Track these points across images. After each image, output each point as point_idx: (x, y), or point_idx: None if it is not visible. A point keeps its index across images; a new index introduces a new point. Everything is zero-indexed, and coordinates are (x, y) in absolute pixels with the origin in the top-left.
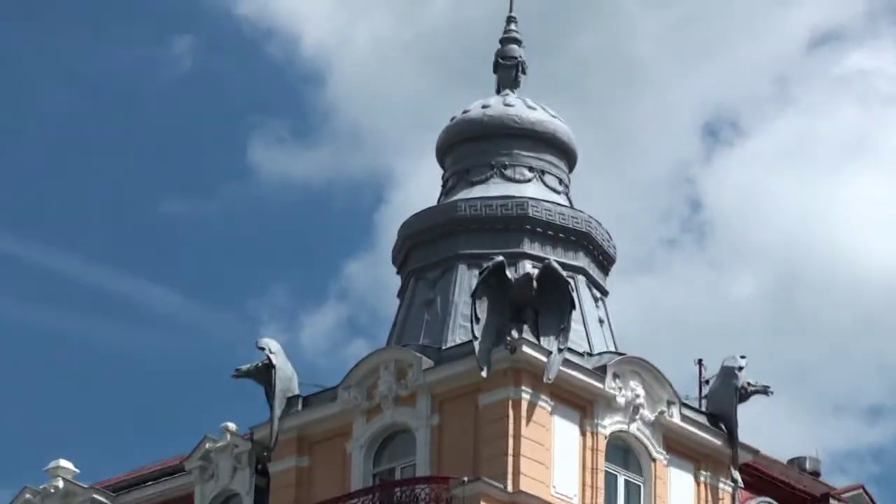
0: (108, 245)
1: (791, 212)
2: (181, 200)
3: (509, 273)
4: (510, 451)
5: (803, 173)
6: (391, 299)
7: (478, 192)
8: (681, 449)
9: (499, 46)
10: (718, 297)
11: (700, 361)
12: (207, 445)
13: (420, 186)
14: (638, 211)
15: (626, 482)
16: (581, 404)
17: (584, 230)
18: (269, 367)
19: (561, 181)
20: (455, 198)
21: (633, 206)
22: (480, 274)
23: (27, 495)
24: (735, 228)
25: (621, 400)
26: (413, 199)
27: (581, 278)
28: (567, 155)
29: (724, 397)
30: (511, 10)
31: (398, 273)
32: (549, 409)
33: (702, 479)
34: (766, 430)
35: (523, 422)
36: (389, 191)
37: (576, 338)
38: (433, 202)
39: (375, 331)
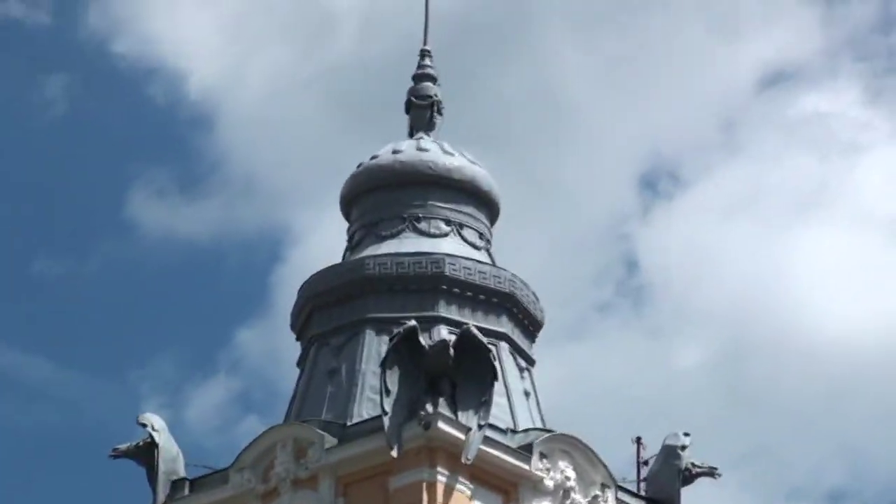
0: None
1: (740, 272)
2: (53, 260)
3: (423, 339)
4: None
5: (753, 228)
6: (289, 371)
7: (388, 247)
8: None
9: (411, 84)
10: (659, 367)
11: (639, 440)
12: None
13: (322, 242)
14: (567, 271)
15: None
16: (504, 487)
17: (507, 291)
18: (152, 445)
19: (481, 235)
20: (362, 254)
21: (561, 266)
22: (390, 340)
23: None
24: (676, 291)
25: (549, 483)
26: (314, 258)
27: (504, 346)
28: (488, 206)
29: (666, 480)
30: (425, 44)
31: (298, 339)
32: (469, 492)
33: None
34: None
35: None
36: (287, 248)
37: (498, 412)
38: (337, 259)
39: (271, 407)
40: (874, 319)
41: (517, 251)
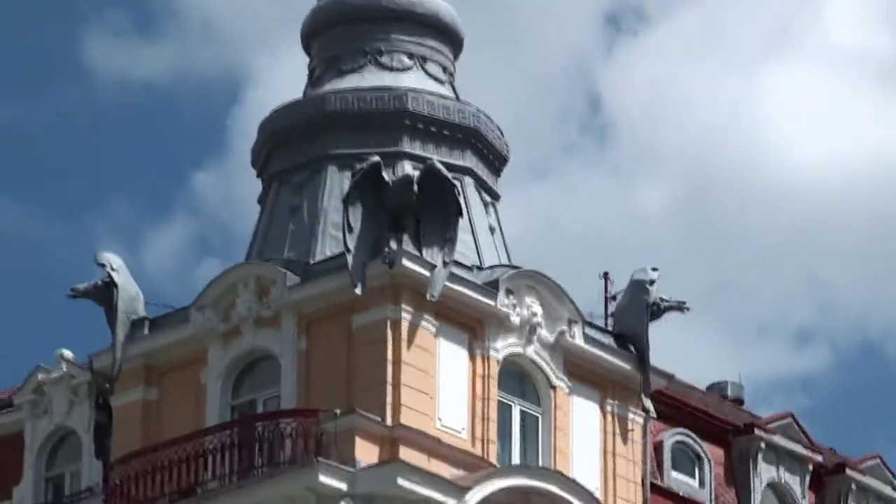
0: None
1: (704, 110)
2: (7, 104)
3: (386, 175)
4: (389, 379)
5: (718, 66)
6: (247, 215)
7: (350, 82)
8: (584, 374)
9: None
10: (624, 206)
11: (606, 275)
12: (40, 377)
13: (281, 83)
14: (530, 109)
15: (522, 413)
16: (470, 325)
17: (471, 125)
18: (111, 285)
19: (444, 69)
20: (323, 90)
21: (524, 103)
22: (353, 176)
23: None
24: (640, 130)
25: (516, 319)
26: (273, 98)
27: (469, 180)
28: (451, 39)
29: (634, 315)
30: None
31: (259, 177)
32: (434, 330)
33: (608, 408)
34: (681, 352)
35: (404, 345)
36: (245, 89)
37: (463, 249)
38: (298, 98)
39: (230, 250)
40: (840, 155)
41: (480, 88)
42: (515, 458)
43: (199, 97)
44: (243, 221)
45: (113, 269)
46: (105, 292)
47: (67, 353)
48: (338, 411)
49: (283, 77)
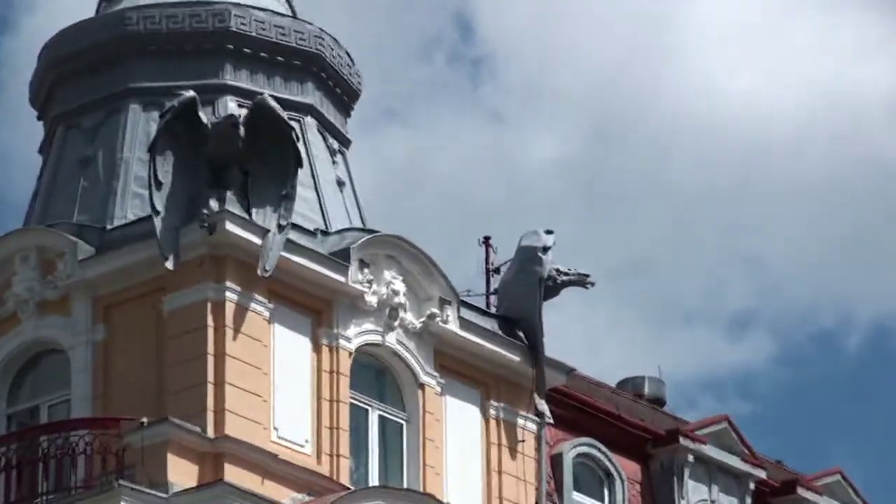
0: None
1: (607, 37)
2: None
3: (204, 115)
4: (210, 377)
5: None
6: (23, 172)
7: None
8: (461, 369)
9: None
10: (506, 159)
11: (487, 240)
12: None
13: (66, 4)
14: (386, 36)
15: (382, 419)
16: (314, 306)
17: (313, 50)
18: None
19: None
20: (121, 6)
21: (377, 28)
22: (161, 117)
23: None
24: (525, 63)
25: (372, 299)
26: (54, 24)
27: (310, 122)
28: None
29: (523, 292)
30: None
31: (40, 119)
32: (268, 314)
33: (492, 412)
34: (584, 341)
35: (229, 334)
36: (17, 14)
37: (304, 209)
38: (89, 17)
39: (2, 221)
40: (782, 92)
41: (320, 6)
42: (374, 478)
43: None
44: (18, 181)
45: None
46: None
47: None
48: (145, 420)
49: None
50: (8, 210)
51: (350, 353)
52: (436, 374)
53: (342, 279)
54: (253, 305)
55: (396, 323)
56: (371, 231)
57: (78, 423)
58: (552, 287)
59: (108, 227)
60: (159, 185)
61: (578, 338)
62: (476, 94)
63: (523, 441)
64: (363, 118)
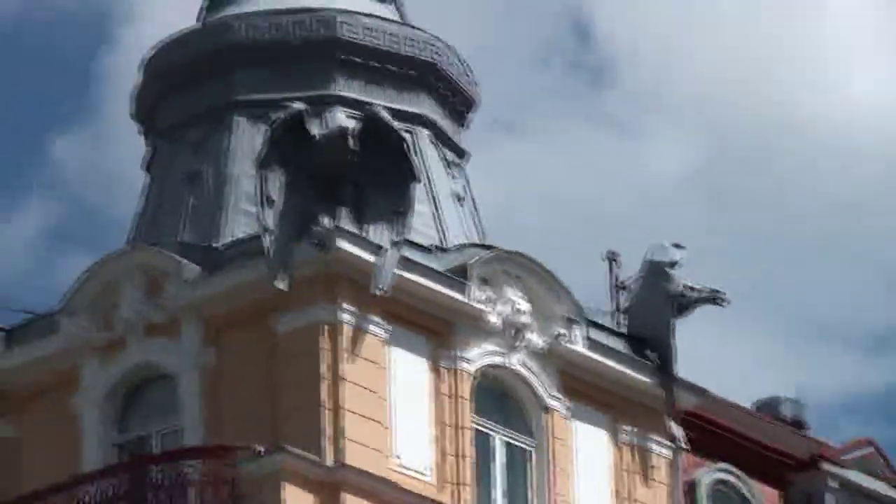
0: None
1: (734, 42)
2: None
3: (314, 128)
4: (326, 402)
5: None
6: (125, 193)
7: (260, 3)
8: (589, 392)
9: None
10: (629, 170)
11: (613, 256)
12: None
13: (167, 14)
14: (501, 44)
15: (507, 445)
16: (433, 327)
17: (427, 59)
18: None
19: None
20: (225, 14)
21: (493, 36)
22: (269, 130)
23: None
24: (647, 70)
25: (494, 319)
26: (156, 35)
27: (425, 133)
28: None
29: (653, 310)
30: None
31: (143, 134)
32: (385, 335)
33: (623, 437)
34: (718, 360)
35: (344, 357)
36: (116, 26)
37: (420, 224)
38: (192, 27)
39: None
40: None
41: (431, 13)
42: None
43: (53, 39)
44: (120, 199)
45: None
46: None
47: None
48: (259, 449)
49: (167, 4)
50: (110, 229)
51: (471, 376)
52: (563, 397)
53: (462, 298)
54: (369, 327)
55: (520, 344)
56: (491, 247)
57: (189, 452)
58: (683, 304)
59: (217, 245)
60: (269, 201)
61: (712, 358)
62: (596, 102)
63: (656, 467)
64: (478, 129)
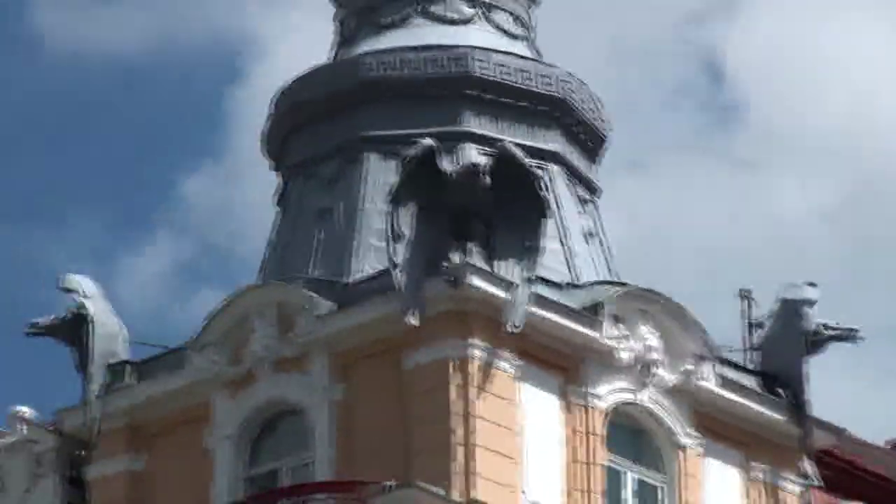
0: None
1: (868, 77)
2: None
3: (445, 164)
4: (457, 438)
5: (887, 15)
6: (254, 232)
7: (392, 40)
8: (721, 429)
9: None
10: (760, 210)
11: (747, 294)
12: None
13: (297, 51)
14: (630, 81)
15: (639, 482)
16: (562, 364)
17: (559, 95)
18: (82, 318)
19: (519, 20)
20: (357, 51)
21: (622, 73)
22: (401, 166)
23: None
24: (778, 108)
25: (626, 356)
26: (287, 71)
27: (556, 169)
28: None
29: (787, 348)
30: None
31: (275, 169)
32: (515, 372)
33: (755, 474)
34: (852, 398)
35: (474, 393)
36: (247, 62)
37: (552, 262)
38: (323, 63)
39: (232, 277)
40: None
41: (558, 51)
42: None
43: (184, 74)
44: (249, 238)
45: (85, 297)
46: (74, 328)
47: (26, 411)
48: (390, 484)
49: (299, 41)
50: (239, 265)
51: (603, 413)
52: (696, 434)
53: (595, 335)
54: (499, 363)
55: (650, 380)
56: (623, 284)
57: (320, 486)
58: (817, 342)
59: (348, 281)
60: (399, 237)
61: (846, 396)
62: (726, 139)
63: None
64: (607, 168)
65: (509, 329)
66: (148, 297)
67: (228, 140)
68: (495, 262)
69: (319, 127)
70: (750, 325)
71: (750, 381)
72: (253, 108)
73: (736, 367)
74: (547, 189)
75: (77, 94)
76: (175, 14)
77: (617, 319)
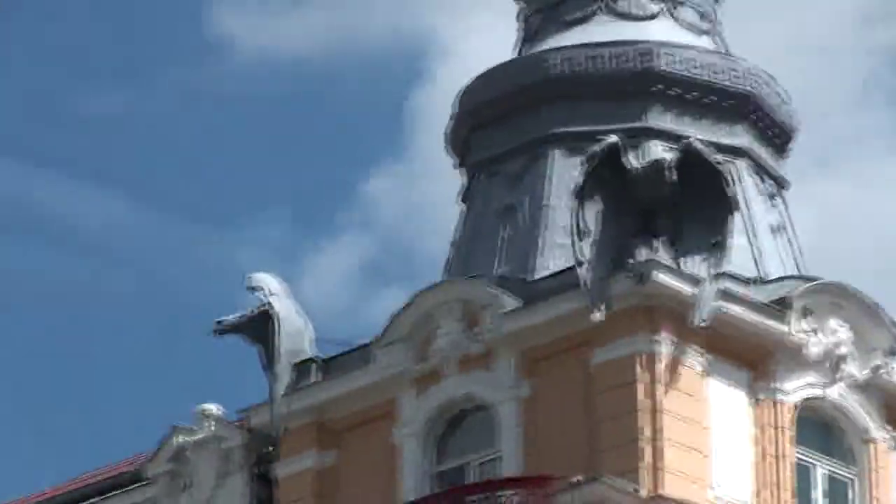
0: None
1: None
2: (120, 90)
3: (631, 160)
4: (645, 433)
5: None
6: (437, 230)
7: (577, 37)
8: None
9: None
10: None
11: None
12: (179, 440)
13: (480, 50)
14: (815, 77)
15: (829, 476)
16: (751, 359)
17: (745, 90)
18: (268, 316)
19: (704, 15)
20: (541, 48)
21: (806, 69)
22: (586, 163)
23: None
24: None
25: (815, 350)
26: (469, 70)
27: (743, 164)
28: None
29: None
30: None
31: (459, 166)
32: (703, 367)
33: None
34: None
35: (662, 388)
36: (430, 61)
37: (739, 257)
38: (507, 60)
39: (415, 275)
40: None
41: (753, 51)
42: None
43: (366, 75)
44: (432, 236)
45: (270, 295)
46: (260, 326)
47: (213, 409)
48: (578, 479)
49: (481, 41)
50: (422, 264)
51: (792, 407)
52: (886, 427)
53: (784, 329)
54: (687, 358)
55: (839, 375)
56: (813, 278)
57: (507, 482)
58: None
59: (533, 278)
60: (585, 233)
61: None
62: None
63: None
64: (793, 164)
65: (696, 324)
66: (333, 297)
67: (412, 140)
68: (682, 259)
69: (504, 124)
70: None
71: None
72: (436, 108)
73: None
74: (734, 184)
75: (263, 96)
76: (359, 15)
77: (806, 314)
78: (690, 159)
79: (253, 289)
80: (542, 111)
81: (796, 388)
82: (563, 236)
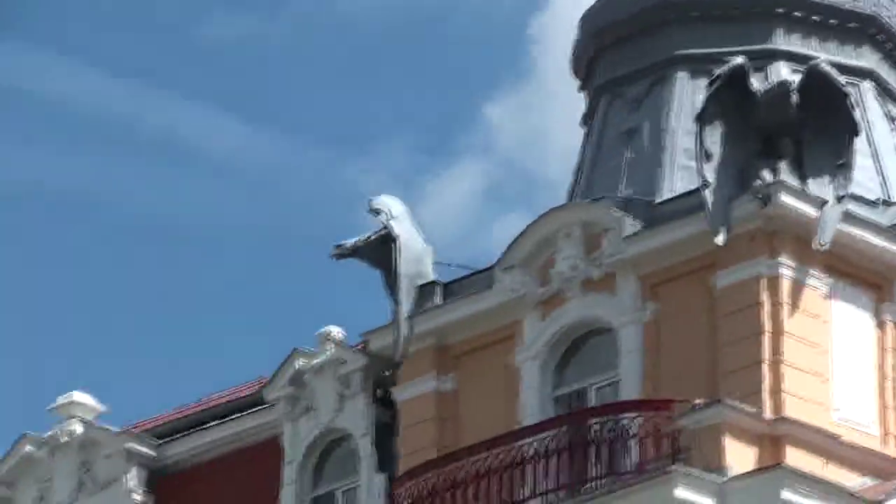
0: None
1: None
2: (242, 16)
3: (755, 82)
4: (766, 356)
5: None
6: (559, 148)
7: None
8: None
9: None
10: None
11: None
12: (299, 364)
13: None
14: None
15: None
16: (875, 281)
17: (869, 12)
18: (389, 239)
19: None
20: None
21: None
22: (710, 85)
23: (27, 447)
24: None
25: None
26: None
27: (867, 86)
28: None
29: None
30: None
31: (582, 90)
32: (825, 289)
33: None
34: None
35: (785, 311)
36: None
37: (863, 179)
38: None
39: (539, 199)
40: None
41: None
42: None
43: (486, 3)
44: (552, 161)
45: (392, 218)
46: (381, 249)
47: (335, 332)
48: (699, 402)
49: None
50: (543, 189)
51: None
52: None
53: None
54: (810, 281)
55: None
56: None
57: (629, 405)
58: None
59: (656, 201)
60: (708, 156)
61: None
62: None
63: None
64: None
65: (819, 247)
66: (455, 222)
67: (532, 65)
68: (807, 180)
69: (626, 47)
70: None
71: None
72: (557, 32)
73: None
74: (858, 106)
75: (386, 23)
76: None
77: None
78: (815, 81)
79: (375, 211)
80: (665, 33)
81: None
82: (687, 159)
